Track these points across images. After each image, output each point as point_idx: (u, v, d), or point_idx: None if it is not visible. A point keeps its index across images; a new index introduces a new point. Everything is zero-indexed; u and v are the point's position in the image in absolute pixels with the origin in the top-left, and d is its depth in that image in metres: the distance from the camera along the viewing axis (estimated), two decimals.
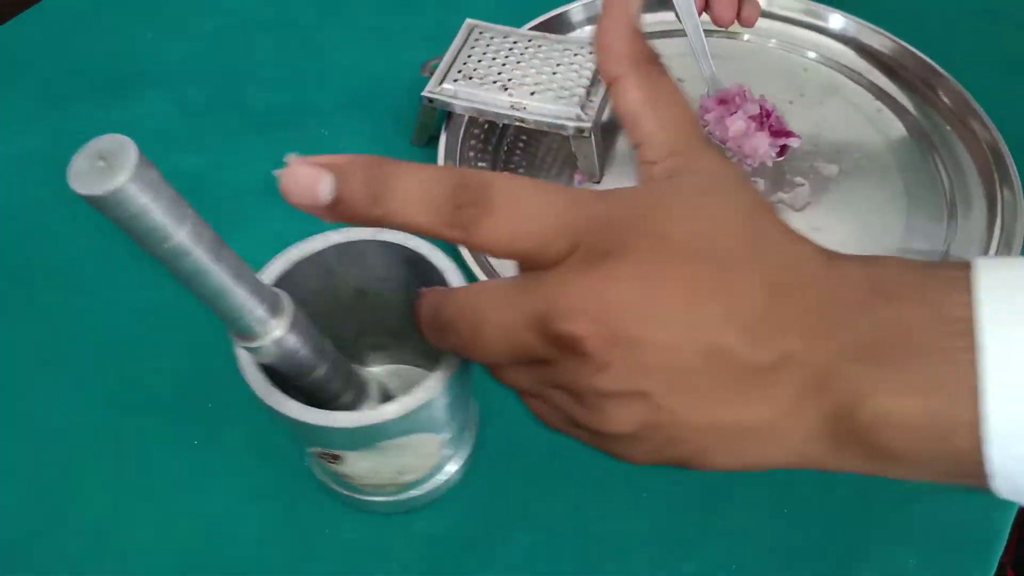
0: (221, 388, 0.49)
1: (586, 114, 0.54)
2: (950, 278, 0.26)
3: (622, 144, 0.61)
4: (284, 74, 0.66)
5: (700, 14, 0.61)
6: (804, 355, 0.27)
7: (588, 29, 0.68)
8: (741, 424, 0.28)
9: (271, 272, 0.38)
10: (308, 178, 0.28)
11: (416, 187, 0.28)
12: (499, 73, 0.56)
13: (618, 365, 0.27)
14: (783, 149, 0.60)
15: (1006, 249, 0.54)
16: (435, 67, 0.57)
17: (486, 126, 0.61)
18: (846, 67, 0.66)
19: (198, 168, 0.60)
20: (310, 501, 0.45)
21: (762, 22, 0.67)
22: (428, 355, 0.41)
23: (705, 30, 0.62)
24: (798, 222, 0.56)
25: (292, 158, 0.28)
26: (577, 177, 0.58)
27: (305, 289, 0.38)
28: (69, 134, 0.61)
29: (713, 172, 0.30)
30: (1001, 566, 1.11)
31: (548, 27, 0.65)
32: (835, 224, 0.56)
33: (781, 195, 0.58)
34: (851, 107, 0.63)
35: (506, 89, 0.55)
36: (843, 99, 0.63)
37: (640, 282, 0.27)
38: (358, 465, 0.38)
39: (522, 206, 0.28)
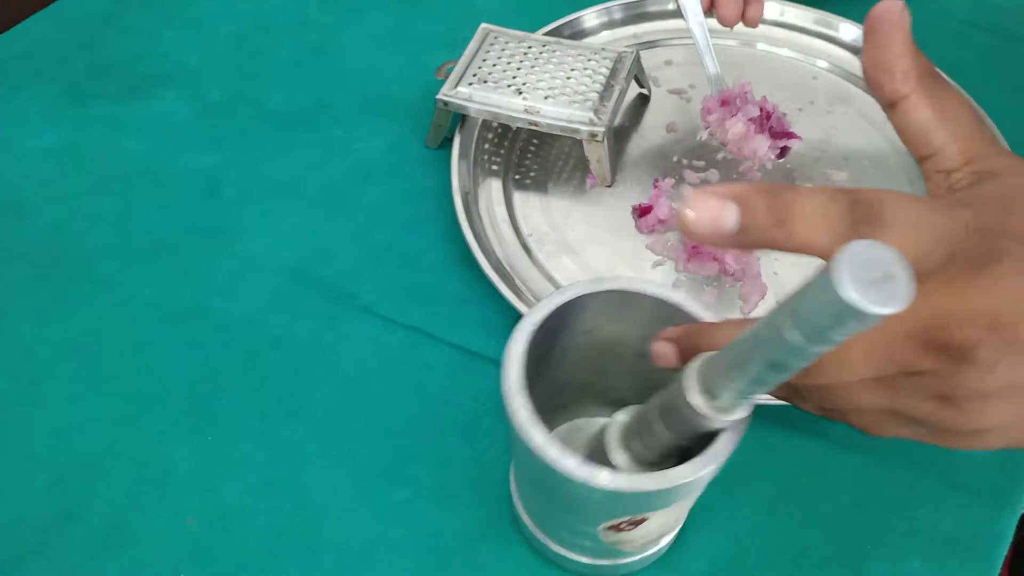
0: (234, 385, 0.50)
1: (599, 118, 0.54)
2: None
3: (633, 148, 0.62)
4: (301, 75, 0.67)
5: (705, 13, 0.61)
6: None
7: (603, 35, 0.68)
8: None
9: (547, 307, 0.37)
10: (713, 210, 0.28)
11: (815, 208, 0.28)
12: (513, 77, 0.57)
13: (1004, 365, 0.27)
14: (783, 151, 0.60)
15: None
16: (450, 70, 0.58)
17: (499, 129, 0.62)
18: (856, 76, 0.66)
19: (215, 166, 0.60)
20: (324, 498, 0.46)
21: (774, 31, 0.68)
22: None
23: (715, 37, 0.63)
24: None
25: (691, 191, 0.30)
26: (589, 181, 0.59)
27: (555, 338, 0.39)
28: (89, 131, 0.62)
29: (1020, 169, 0.31)
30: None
31: (562, 32, 0.66)
32: None
33: None
34: (860, 115, 0.64)
35: (520, 93, 0.56)
36: (852, 107, 0.64)
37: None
38: (655, 524, 0.37)
39: (911, 218, 0.27)
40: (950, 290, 0.27)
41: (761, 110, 0.59)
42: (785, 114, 0.60)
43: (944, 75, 0.32)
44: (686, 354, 0.34)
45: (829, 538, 0.44)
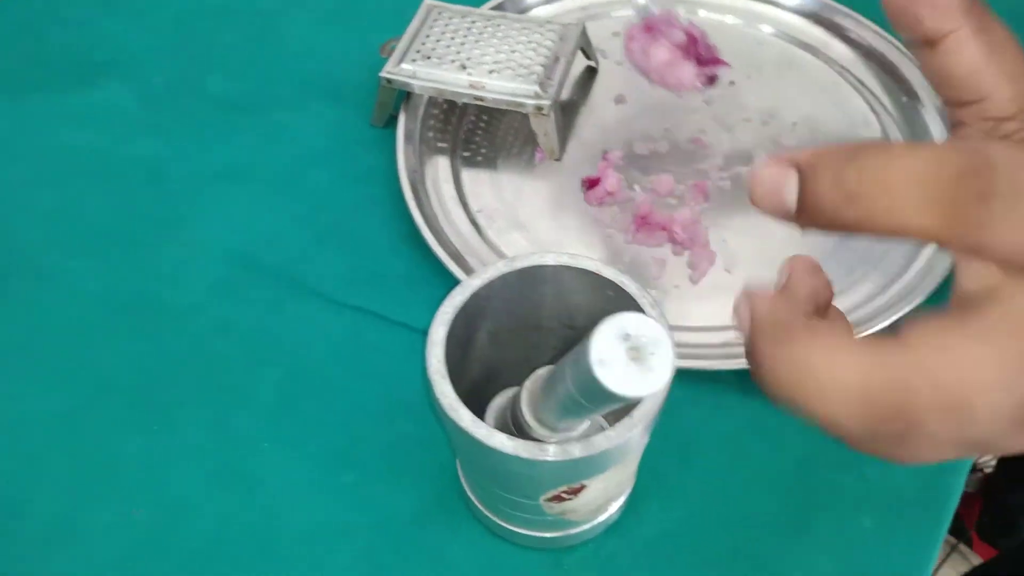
0: (181, 374, 0.49)
1: (545, 91, 0.54)
2: None
3: (582, 121, 0.61)
4: (244, 59, 0.66)
5: None
6: None
7: (551, 7, 0.68)
8: None
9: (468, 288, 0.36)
10: (773, 180, 0.23)
11: (905, 179, 0.21)
12: (458, 52, 0.56)
13: None
14: (711, 79, 0.57)
15: None
16: (393, 48, 0.57)
17: (446, 106, 0.61)
18: (803, 41, 0.66)
19: (158, 154, 0.60)
20: (273, 484, 0.45)
21: None
22: None
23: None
24: None
25: (763, 158, 0.24)
26: (538, 155, 0.59)
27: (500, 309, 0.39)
28: (27, 124, 0.61)
29: None
30: (965, 531, 1.12)
31: (509, 7, 0.65)
32: None
33: (739, 168, 0.58)
34: (809, 81, 0.64)
35: (464, 68, 0.55)
36: (801, 73, 0.64)
37: None
38: (595, 491, 0.37)
39: None
40: None
41: (687, 35, 0.56)
42: (715, 46, 0.58)
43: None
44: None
45: (778, 500, 0.44)
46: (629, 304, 0.37)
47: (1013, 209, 0.20)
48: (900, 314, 0.48)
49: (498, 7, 0.64)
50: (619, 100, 0.62)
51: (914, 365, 0.21)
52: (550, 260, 0.37)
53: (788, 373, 0.23)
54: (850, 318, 0.50)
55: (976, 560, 1.16)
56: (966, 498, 1.16)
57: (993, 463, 1.15)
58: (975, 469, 1.18)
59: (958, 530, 1.17)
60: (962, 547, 1.18)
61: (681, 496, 0.45)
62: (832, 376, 0.22)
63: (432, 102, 0.60)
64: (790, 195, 0.22)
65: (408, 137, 0.58)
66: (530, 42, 0.57)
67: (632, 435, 0.33)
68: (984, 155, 0.21)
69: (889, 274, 0.52)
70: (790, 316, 0.25)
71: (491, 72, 0.55)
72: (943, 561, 1.18)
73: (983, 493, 1.14)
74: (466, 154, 0.59)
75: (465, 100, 0.55)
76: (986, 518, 1.14)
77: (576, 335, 0.41)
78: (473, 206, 0.56)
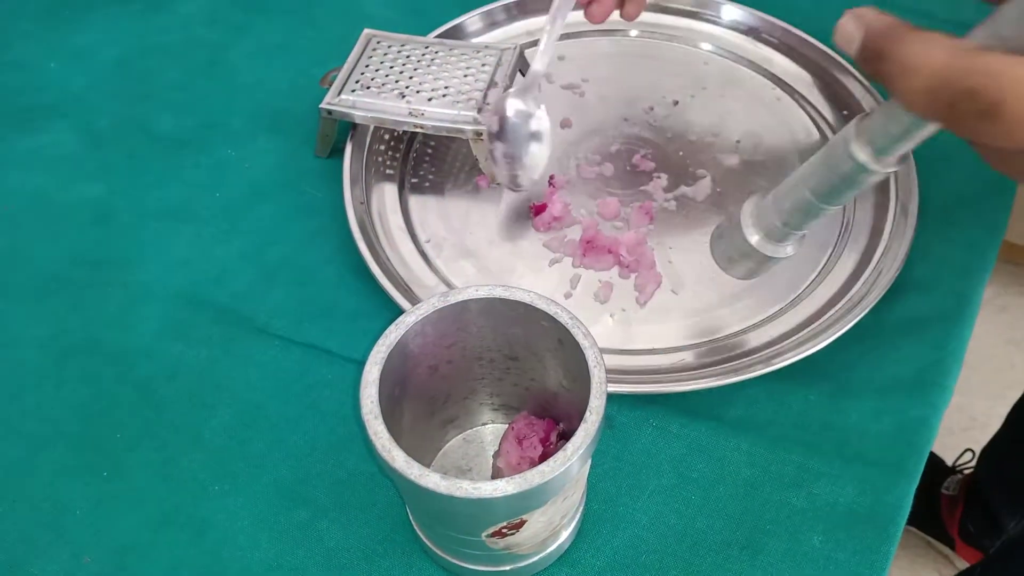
0: (128, 418, 0.49)
1: (483, 117, 0.54)
2: None
3: None
4: (189, 96, 0.65)
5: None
6: None
7: (496, 33, 0.68)
8: None
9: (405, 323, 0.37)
10: (844, 26, 0.32)
11: (920, 60, 0.30)
12: (396, 81, 0.56)
13: None
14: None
15: (903, 219, 0.55)
16: (334, 79, 0.57)
17: (392, 135, 0.61)
18: (744, 58, 0.67)
19: (103, 195, 0.59)
20: (223, 526, 0.45)
21: (659, 17, 0.68)
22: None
23: (603, 29, 0.62)
24: (702, 213, 0.57)
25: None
26: (480, 181, 0.59)
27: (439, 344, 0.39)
28: None
29: None
30: (949, 539, 1.12)
31: (453, 34, 0.65)
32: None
33: (684, 188, 0.58)
34: (751, 97, 0.64)
35: (404, 96, 0.55)
36: (743, 90, 0.64)
37: None
38: (537, 525, 0.37)
39: None
40: None
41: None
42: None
43: None
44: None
45: (727, 521, 0.44)
46: (563, 334, 0.37)
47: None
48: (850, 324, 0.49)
49: (443, 35, 0.64)
50: (564, 124, 0.63)
51: (996, 59, 0.28)
52: (483, 293, 0.37)
53: (905, 57, 0.31)
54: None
55: (961, 564, 1.17)
56: (948, 501, 1.16)
57: (973, 464, 1.16)
58: (955, 471, 1.18)
59: (940, 533, 1.17)
60: (945, 551, 1.19)
61: (631, 521, 0.45)
62: (928, 58, 0.30)
63: (378, 131, 0.61)
64: (851, 35, 0.32)
65: (354, 169, 0.58)
66: (469, 68, 0.57)
67: (568, 468, 0.33)
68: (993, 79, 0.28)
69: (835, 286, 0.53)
70: (895, 22, 0.33)
71: (430, 100, 0.55)
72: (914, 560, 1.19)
73: (965, 495, 1.15)
74: (414, 181, 0.60)
75: (405, 128, 0.55)
76: (968, 520, 1.14)
77: (519, 366, 0.42)
78: (421, 235, 0.56)
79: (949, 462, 1.19)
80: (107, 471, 0.47)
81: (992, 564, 1.09)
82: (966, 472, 1.17)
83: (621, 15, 0.58)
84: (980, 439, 1.13)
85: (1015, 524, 1.10)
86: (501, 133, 0.54)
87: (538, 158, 0.55)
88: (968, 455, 1.17)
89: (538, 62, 0.54)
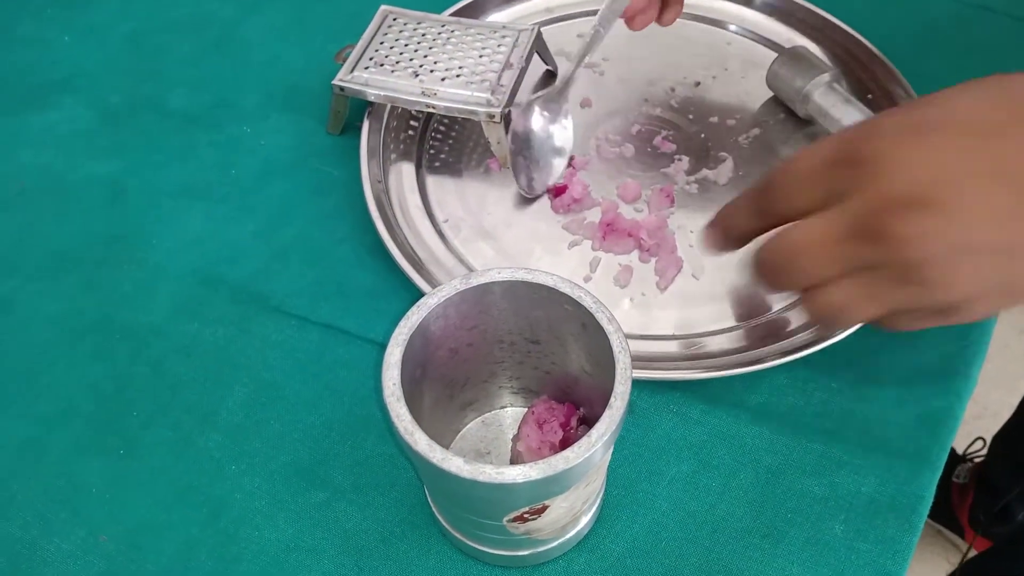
0: (143, 396, 0.49)
1: (496, 99, 0.53)
2: None
3: None
4: (202, 72, 0.65)
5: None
6: None
7: (515, 8, 0.67)
8: None
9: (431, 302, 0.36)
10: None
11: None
12: (411, 60, 0.55)
13: (933, 233, 0.31)
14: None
15: None
16: (348, 55, 0.56)
17: (410, 113, 0.60)
18: (767, 39, 0.66)
19: (117, 173, 0.59)
20: (240, 506, 0.45)
21: None
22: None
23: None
24: (724, 196, 0.56)
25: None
26: (491, 164, 0.58)
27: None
28: None
29: None
30: (958, 523, 1.12)
31: (471, 10, 0.64)
32: None
33: (706, 171, 0.58)
34: None
35: (417, 75, 0.54)
36: (764, 72, 0.63)
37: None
38: (559, 510, 0.37)
39: None
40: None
41: None
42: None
43: None
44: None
45: (748, 509, 0.44)
46: (587, 318, 0.36)
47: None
48: None
49: (459, 11, 0.63)
50: (584, 104, 0.62)
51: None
52: (506, 276, 0.37)
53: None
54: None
55: (970, 553, 1.16)
56: (958, 489, 1.16)
57: (984, 452, 1.15)
58: (965, 459, 1.18)
59: (950, 521, 1.17)
60: (955, 539, 1.18)
61: (651, 508, 0.44)
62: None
63: (395, 109, 0.60)
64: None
65: (371, 146, 0.57)
66: (484, 48, 0.56)
67: (592, 454, 0.33)
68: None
69: None
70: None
71: (443, 79, 0.54)
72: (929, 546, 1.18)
73: (975, 483, 1.14)
74: (432, 160, 0.59)
75: (417, 108, 0.55)
76: (979, 508, 1.14)
77: (540, 349, 0.41)
78: (439, 216, 0.56)
79: (960, 450, 1.19)
80: (122, 450, 0.47)
81: (1002, 552, 1.09)
82: (977, 460, 1.17)
83: (658, 22, 0.57)
84: (991, 427, 1.13)
85: None
86: (523, 138, 0.54)
87: (556, 167, 0.56)
88: (979, 443, 1.16)
89: (570, 67, 0.55)
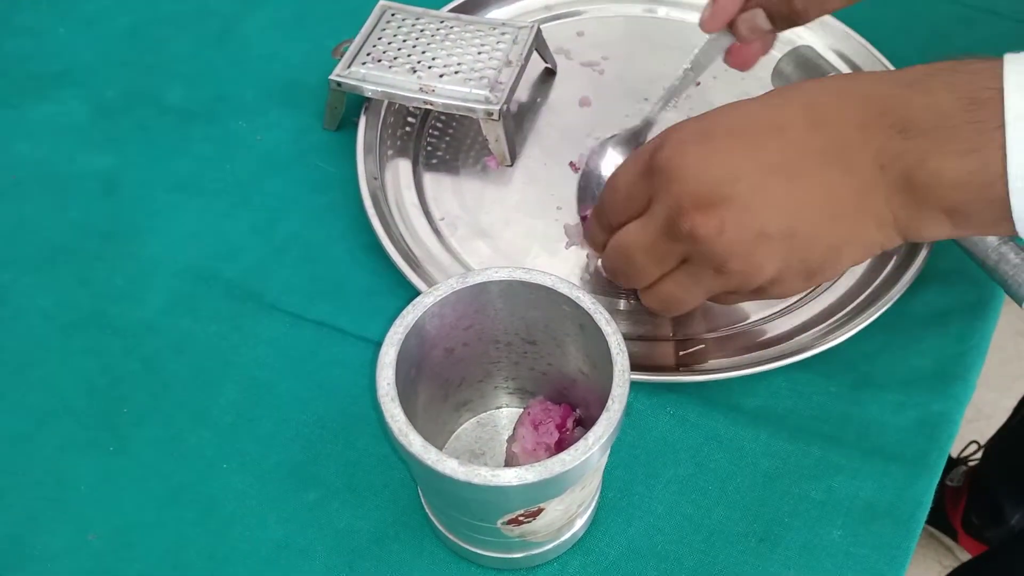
0: (136, 393, 0.48)
1: (495, 96, 0.53)
2: (976, 70, 0.33)
3: (544, 123, 0.60)
4: (200, 66, 0.64)
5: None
6: (859, 141, 0.35)
7: (515, 6, 0.66)
8: (838, 210, 0.36)
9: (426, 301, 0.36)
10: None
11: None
12: (409, 56, 0.55)
13: (731, 225, 0.36)
14: None
15: None
16: (346, 50, 0.56)
17: (408, 109, 0.60)
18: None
19: (112, 167, 0.58)
20: (231, 504, 0.44)
21: None
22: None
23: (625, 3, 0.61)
24: None
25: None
26: (489, 162, 0.58)
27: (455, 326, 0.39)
28: None
29: None
30: (952, 530, 1.12)
31: (471, 6, 0.64)
32: None
33: None
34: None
35: (415, 72, 0.54)
36: (766, 71, 0.63)
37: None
38: (554, 513, 0.37)
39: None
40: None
41: None
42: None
43: None
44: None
45: (744, 513, 0.44)
46: (585, 319, 0.36)
47: None
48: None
49: (458, 7, 0.63)
50: (583, 103, 0.61)
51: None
52: (503, 275, 0.36)
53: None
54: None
55: (963, 556, 1.16)
56: (952, 492, 1.16)
57: (979, 456, 1.15)
58: (960, 462, 1.18)
59: (943, 525, 1.17)
60: (948, 542, 1.18)
61: (647, 511, 0.44)
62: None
63: (392, 105, 0.59)
64: None
65: (368, 143, 0.57)
66: (483, 45, 0.56)
67: (588, 457, 0.32)
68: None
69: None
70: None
71: (441, 76, 0.54)
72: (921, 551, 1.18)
73: (969, 487, 1.14)
74: (429, 157, 0.58)
75: (415, 104, 0.54)
76: (972, 511, 1.14)
77: (536, 350, 0.41)
78: (435, 213, 0.55)
79: (954, 454, 1.19)
80: (113, 447, 0.47)
81: (995, 556, 1.08)
82: (971, 464, 1.17)
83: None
84: (985, 430, 1.12)
85: (1019, 517, 1.10)
86: (594, 179, 0.54)
87: None
88: (973, 447, 1.16)
89: (653, 109, 0.56)
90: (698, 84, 0.62)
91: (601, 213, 0.43)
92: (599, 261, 0.43)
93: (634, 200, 0.39)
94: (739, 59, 0.55)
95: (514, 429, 0.43)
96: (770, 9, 0.50)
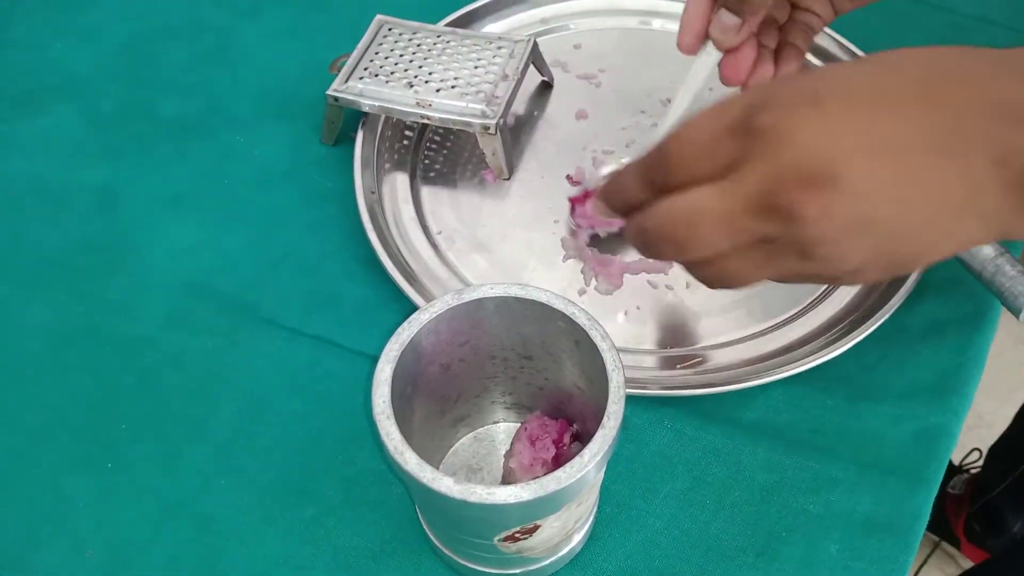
0: (132, 408, 0.48)
1: (492, 110, 0.53)
2: None
3: (540, 137, 0.60)
4: (197, 80, 0.64)
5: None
6: (979, 131, 0.31)
7: (511, 19, 0.67)
8: (947, 204, 0.32)
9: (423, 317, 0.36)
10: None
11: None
12: (406, 70, 0.55)
13: (838, 209, 0.31)
14: None
15: None
16: (343, 65, 0.56)
17: (405, 123, 0.60)
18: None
19: (108, 180, 0.58)
20: (228, 521, 0.44)
21: (680, 6, 0.67)
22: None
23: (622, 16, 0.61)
24: None
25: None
26: (486, 175, 0.58)
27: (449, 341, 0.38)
28: None
29: None
30: (954, 538, 1.12)
31: (466, 19, 0.64)
32: None
33: None
34: None
35: (412, 86, 0.54)
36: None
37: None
38: (551, 529, 0.36)
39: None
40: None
41: None
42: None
43: None
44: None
45: (742, 527, 0.44)
46: (580, 335, 0.36)
47: None
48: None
49: (455, 22, 0.63)
50: (580, 115, 0.61)
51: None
52: (499, 291, 0.36)
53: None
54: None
55: (965, 564, 1.16)
56: (954, 500, 1.16)
57: (980, 463, 1.15)
58: (961, 470, 1.17)
59: (946, 533, 1.17)
60: (950, 550, 1.18)
61: (644, 525, 0.44)
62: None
63: (390, 119, 0.59)
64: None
65: (365, 157, 0.57)
66: (480, 59, 0.56)
67: (584, 474, 0.32)
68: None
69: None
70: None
71: (438, 90, 0.54)
72: (923, 561, 1.18)
73: (970, 494, 1.14)
74: (426, 173, 0.58)
75: (412, 119, 0.54)
76: (974, 519, 1.14)
77: (533, 365, 0.41)
78: (433, 227, 0.55)
79: (956, 461, 1.19)
80: (110, 463, 0.46)
81: (996, 564, 1.08)
82: (973, 471, 1.17)
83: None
84: (986, 438, 1.12)
85: (1020, 525, 1.10)
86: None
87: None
88: (975, 455, 1.16)
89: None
90: None
91: (654, 168, 0.35)
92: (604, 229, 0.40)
93: (712, 160, 0.33)
94: (731, 71, 0.52)
95: (511, 444, 0.43)
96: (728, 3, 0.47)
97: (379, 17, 0.59)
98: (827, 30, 0.64)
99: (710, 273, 0.35)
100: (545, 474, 0.32)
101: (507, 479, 0.43)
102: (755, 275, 0.35)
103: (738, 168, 0.32)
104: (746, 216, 0.32)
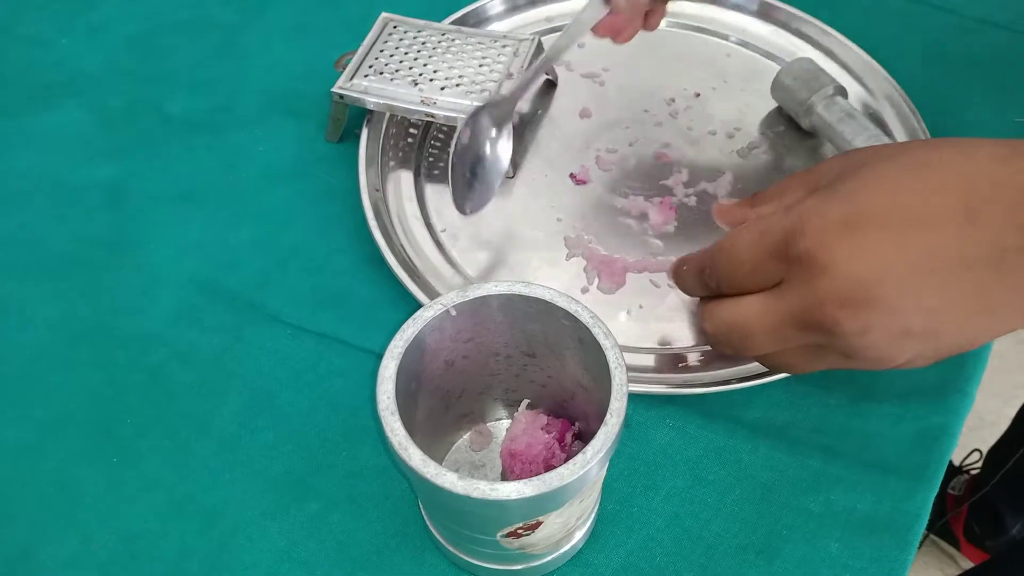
0: (140, 404, 0.49)
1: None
2: None
3: (545, 135, 0.60)
4: (204, 77, 0.65)
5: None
6: (1018, 242, 0.32)
7: (515, 19, 0.67)
8: (984, 306, 0.34)
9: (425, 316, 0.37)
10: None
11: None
12: (410, 68, 0.55)
13: (878, 327, 0.34)
14: None
15: None
16: (348, 62, 0.56)
17: (408, 121, 0.60)
18: (767, 51, 0.65)
19: (116, 177, 0.59)
20: (234, 515, 0.45)
21: (682, 6, 0.67)
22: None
23: None
24: None
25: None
26: None
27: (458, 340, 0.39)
28: None
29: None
30: (954, 538, 1.12)
31: (471, 18, 0.64)
32: None
33: (705, 184, 0.57)
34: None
35: (416, 84, 0.54)
36: (766, 83, 0.63)
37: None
38: (553, 526, 0.37)
39: None
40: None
41: None
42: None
43: None
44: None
45: (743, 525, 0.44)
46: (584, 333, 0.36)
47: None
48: None
49: (460, 20, 0.63)
50: (583, 114, 0.62)
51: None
52: (502, 289, 0.37)
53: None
54: None
55: (965, 564, 1.16)
56: (954, 501, 1.16)
57: (980, 464, 1.15)
58: (962, 471, 1.18)
59: (946, 533, 1.17)
60: (950, 550, 1.18)
61: (645, 523, 0.44)
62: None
63: (395, 117, 0.60)
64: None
65: (370, 154, 0.57)
66: (484, 58, 0.56)
67: (586, 471, 0.32)
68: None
69: None
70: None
71: (443, 88, 0.54)
72: (923, 562, 1.18)
73: (971, 495, 1.14)
74: (431, 171, 0.59)
75: (416, 116, 0.55)
76: (974, 520, 1.14)
77: (536, 363, 0.41)
78: (437, 225, 0.56)
79: (956, 462, 1.19)
80: (117, 457, 0.47)
81: (996, 565, 1.08)
82: (973, 472, 1.17)
83: (646, 28, 0.57)
84: (987, 438, 1.12)
85: (1019, 526, 1.10)
86: (471, 153, 0.52)
87: (486, 192, 0.53)
88: (975, 455, 1.16)
89: (510, 87, 0.52)
90: (697, 95, 0.63)
91: (708, 274, 0.39)
92: (701, 324, 0.40)
93: (759, 277, 0.37)
94: (609, 30, 0.55)
95: (511, 430, 0.44)
96: None
97: (384, 15, 0.59)
98: (831, 31, 0.64)
99: (768, 364, 0.40)
100: (546, 472, 0.32)
101: (505, 464, 0.43)
102: (809, 367, 0.38)
103: (783, 285, 0.36)
104: (791, 328, 0.36)
